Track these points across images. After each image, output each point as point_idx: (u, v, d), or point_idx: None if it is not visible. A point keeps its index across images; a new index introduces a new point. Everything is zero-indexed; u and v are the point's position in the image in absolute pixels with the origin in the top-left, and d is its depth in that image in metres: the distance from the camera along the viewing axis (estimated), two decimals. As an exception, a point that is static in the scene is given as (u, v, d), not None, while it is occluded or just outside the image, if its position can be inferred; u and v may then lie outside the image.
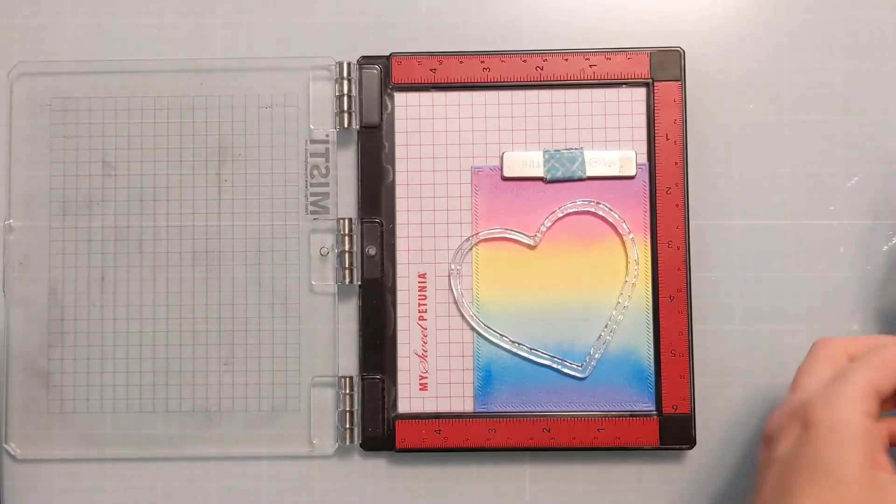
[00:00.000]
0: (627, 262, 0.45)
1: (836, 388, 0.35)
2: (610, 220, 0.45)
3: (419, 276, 0.46)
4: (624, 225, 0.45)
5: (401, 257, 0.46)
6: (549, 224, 0.45)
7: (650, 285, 0.45)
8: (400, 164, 0.46)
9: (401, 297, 0.46)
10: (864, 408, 0.34)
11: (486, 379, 0.45)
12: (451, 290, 0.46)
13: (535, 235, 0.45)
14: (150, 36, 0.48)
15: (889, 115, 0.47)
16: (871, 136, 0.46)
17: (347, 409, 0.45)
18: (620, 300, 0.45)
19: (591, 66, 0.46)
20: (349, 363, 0.46)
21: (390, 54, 0.46)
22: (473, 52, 0.46)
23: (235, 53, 0.48)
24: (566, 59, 0.46)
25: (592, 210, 0.45)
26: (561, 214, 0.45)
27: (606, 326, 0.45)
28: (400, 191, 0.46)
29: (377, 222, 0.46)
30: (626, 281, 0.45)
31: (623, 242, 0.45)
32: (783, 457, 0.35)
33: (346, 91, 0.46)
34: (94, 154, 0.47)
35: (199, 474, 0.46)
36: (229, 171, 0.47)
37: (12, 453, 0.46)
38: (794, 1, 0.47)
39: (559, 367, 0.45)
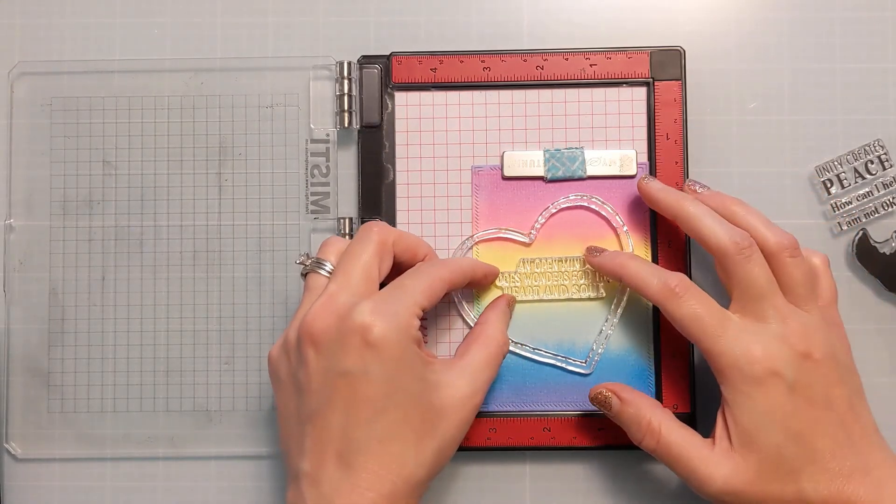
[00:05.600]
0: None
1: (396, 308, 0.37)
2: (603, 213, 0.45)
3: (419, 275, 0.46)
4: (617, 218, 0.45)
5: (401, 257, 0.46)
6: (543, 221, 0.45)
7: (650, 285, 0.45)
8: (400, 164, 0.46)
9: (401, 296, 0.46)
10: (416, 324, 0.38)
11: (487, 378, 0.45)
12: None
13: (530, 233, 0.45)
14: (150, 36, 0.48)
15: (889, 114, 0.47)
16: (871, 136, 0.46)
17: (348, 408, 0.45)
18: (618, 293, 0.45)
19: (591, 65, 0.46)
20: (349, 363, 0.46)
21: (390, 54, 0.46)
22: (473, 52, 0.46)
23: (235, 53, 0.48)
24: (566, 59, 0.46)
25: (585, 204, 0.45)
26: (554, 210, 0.45)
27: (607, 320, 0.45)
28: (400, 190, 0.46)
29: (377, 222, 0.46)
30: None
31: (617, 236, 0.45)
32: (351, 371, 0.36)
33: (346, 90, 0.46)
34: (95, 154, 0.47)
35: (199, 474, 0.46)
36: (229, 170, 0.47)
37: (12, 453, 0.46)
38: (793, 1, 0.47)
39: (563, 364, 0.45)
